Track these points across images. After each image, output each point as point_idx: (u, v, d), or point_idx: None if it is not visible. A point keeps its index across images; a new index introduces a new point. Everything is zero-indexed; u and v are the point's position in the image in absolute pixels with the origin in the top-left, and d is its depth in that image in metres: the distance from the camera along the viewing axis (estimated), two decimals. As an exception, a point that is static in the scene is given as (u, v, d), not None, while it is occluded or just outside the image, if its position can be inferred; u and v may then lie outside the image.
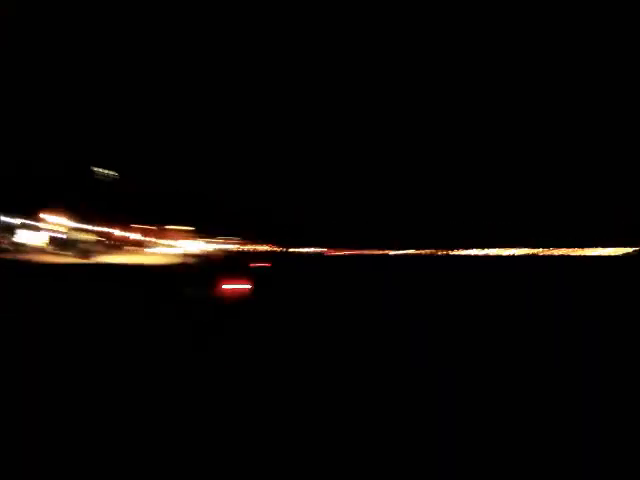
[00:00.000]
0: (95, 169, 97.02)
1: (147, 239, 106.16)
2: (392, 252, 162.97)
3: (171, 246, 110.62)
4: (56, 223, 68.42)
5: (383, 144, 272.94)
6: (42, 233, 64.37)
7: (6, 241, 59.45)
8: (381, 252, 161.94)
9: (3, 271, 29.46)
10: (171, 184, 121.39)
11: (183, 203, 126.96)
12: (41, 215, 66.85)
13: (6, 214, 63.35)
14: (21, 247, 59.16)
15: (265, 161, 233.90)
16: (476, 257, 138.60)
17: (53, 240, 63.00)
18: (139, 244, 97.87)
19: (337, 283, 33.67)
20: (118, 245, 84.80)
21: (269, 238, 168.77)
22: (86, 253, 53.90)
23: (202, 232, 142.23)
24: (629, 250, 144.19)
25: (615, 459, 5.96)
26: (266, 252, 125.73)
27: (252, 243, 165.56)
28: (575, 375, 9.60)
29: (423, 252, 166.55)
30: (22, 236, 62.47)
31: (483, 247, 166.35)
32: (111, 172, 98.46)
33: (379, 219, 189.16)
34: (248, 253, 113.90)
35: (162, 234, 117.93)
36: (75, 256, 53.32)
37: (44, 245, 62.44)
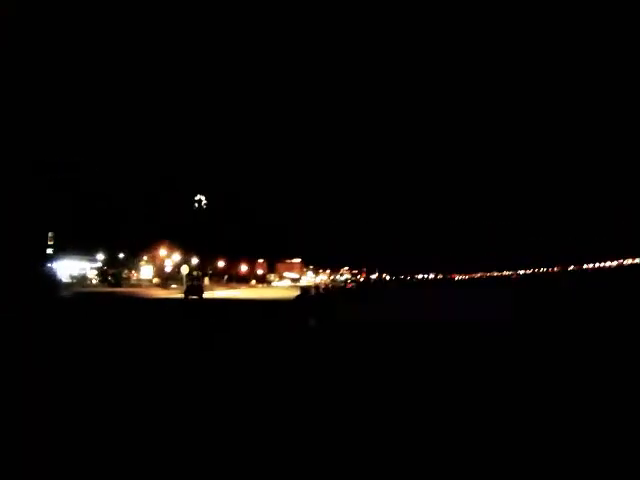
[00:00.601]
0: (200, 198, 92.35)
1: (266, 273, 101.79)
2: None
3: (289, 279, 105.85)
4: (163, 256, 70.10)
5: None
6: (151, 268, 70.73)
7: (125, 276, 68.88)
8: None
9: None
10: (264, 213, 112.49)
11: (285, 233, 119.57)
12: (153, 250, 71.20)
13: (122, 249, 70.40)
14: (134, 282, 68.14)
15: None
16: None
17: (161, 274, 67.24)
18: (261, 278, 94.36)
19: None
20: (236, 279, 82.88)
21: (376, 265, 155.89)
22: (196, 289, 46.34)
23: (310, 263, 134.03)
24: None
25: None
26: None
27: (362, 272, 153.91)
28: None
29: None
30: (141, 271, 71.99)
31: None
32: (202, 197, 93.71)
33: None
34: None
35: (278, 267, 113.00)
36: (185, 291, 46.34)
37: (154, 279, 68.72)
